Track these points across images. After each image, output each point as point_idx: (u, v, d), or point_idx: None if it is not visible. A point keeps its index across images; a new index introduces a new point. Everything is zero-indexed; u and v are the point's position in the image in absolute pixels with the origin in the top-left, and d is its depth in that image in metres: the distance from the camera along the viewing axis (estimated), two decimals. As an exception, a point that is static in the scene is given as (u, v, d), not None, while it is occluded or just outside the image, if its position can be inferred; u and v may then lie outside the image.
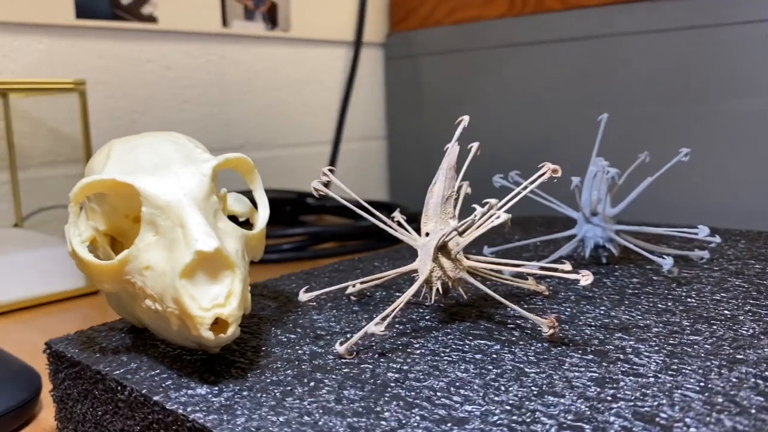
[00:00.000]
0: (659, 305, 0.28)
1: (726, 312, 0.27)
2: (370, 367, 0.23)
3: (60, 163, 0.62)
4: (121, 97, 0.66)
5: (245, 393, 0.21)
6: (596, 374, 0.22)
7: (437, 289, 0.26)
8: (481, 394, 0.21)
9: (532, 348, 0.24)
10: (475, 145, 0.29)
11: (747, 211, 0.61)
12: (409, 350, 0.24)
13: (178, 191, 0.23)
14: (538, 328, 0.26)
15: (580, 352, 0.24)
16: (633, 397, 0.20)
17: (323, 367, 0.23)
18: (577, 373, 0.22)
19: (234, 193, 0.29)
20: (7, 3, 0.57)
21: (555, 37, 0.71)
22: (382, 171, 0.92)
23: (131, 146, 0.25)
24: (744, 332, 0.25)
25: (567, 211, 0.35)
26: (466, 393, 0.21)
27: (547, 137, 0.73)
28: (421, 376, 0.22)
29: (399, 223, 0.29)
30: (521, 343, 0.25)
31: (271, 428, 0.19)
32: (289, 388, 0.22)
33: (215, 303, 0.22)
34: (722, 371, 0.22)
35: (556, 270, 0.31)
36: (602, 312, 0.28)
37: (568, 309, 0.28)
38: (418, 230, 0.55)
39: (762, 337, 0.24)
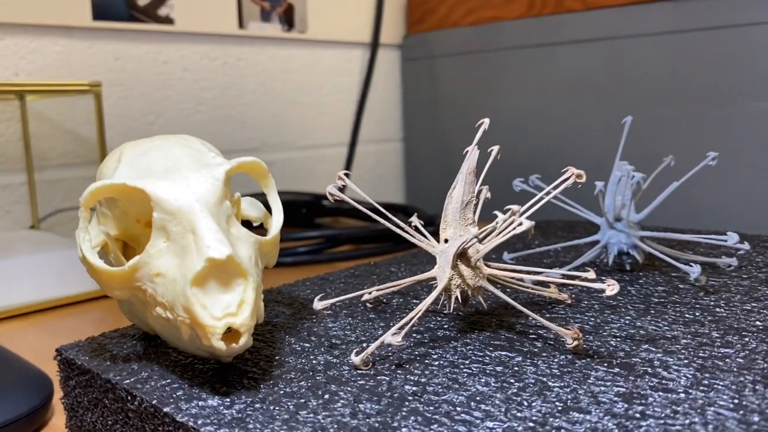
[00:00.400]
0: (687, 315, 0.27)
1: (758, 323, 0.26)
2: (387, 379, 0.22)
3: (77, 164, 0.62)
4: (138, 98, 0.66)
5: (257, 405, 0.21)
6: (623, 389, 0.21)
7: (456, 298, 0.25)
8: (502, 409, 0.20)
9: (556, 360, 0.23)
10: (495, 149, 0.28)
11: (773, 216, 0.60)
12: (427, 361, 0.23)
13: (189, 196, 0.22)
14: (562, 339, 0.25)
15: (605, 364, 0.23)
16: (663, 415, 0.19)
17: (338, 379, 0.22)
18: (603, 388, 0.21)
19: (248, 197, 0.29)
20: (25, 5, 0.57)
21: (575, 37, 0.70)
22: (399, 173, 0.92)
23: (143, 150, 0.25)
24: (778, 345, 0.24)
25: (590, 216, 0.34)
26: (487, 408, 0.20)
27: (566, 140, 0.72)
28: (440, 390, 0.21)
29: (416, 228, 0.29)
30: (544, 354, 0.24)
31: (283, 444, 0.18)
32: (302, 400, 0.21)
33: (227, 312, 0.21)
34: (757, 387, 0.21)
35: (579, 278, 0.30)
36: (627, 322, 0.27)
37: (592, 318, 0.27)
38: (435, 234, 0.54)
39: (797, 350, 0.23)
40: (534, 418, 0.19)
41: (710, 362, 0.23)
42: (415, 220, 0.29)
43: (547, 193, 0.26)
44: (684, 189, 0.63)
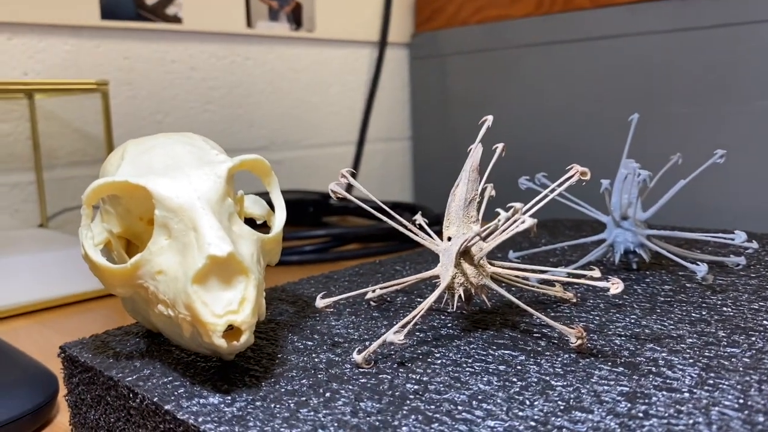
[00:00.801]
0: (693, 314, 0.27)
1: (765, 322, 0.26)
2: (389, 377, 0.22)
3: (85, 163, 0.62)
4: (146, 97, 0.66)
5: (258, 403, 0.21)
6: (627, 388, 0.21)
7: (459, 296, 0.25)
8: (504, 408, 0.20)
9: (559, 359, 0.23)
10: (499, 146, 0.27)
11: (784, 215, 0.59)
12: (429, 360, 0.23)
13: (191, 193, 0.22)
14: (565, 338, 0.25)
15: (609, 364, 0.22)
16: (666, 414, 0.19)
17: (340, 377, 0.22)
18: (606, 387, 0.21)
19: (251, 195, 0.29)
20: (34, 4, 0.57)
21: (583, 35, 0.70)
22: (407, 172, 0.91)
23: (145, 148, 0.25)
24: (785, 345, 0.23)
25: (596, 215, 0.34)
26: (488, 407, 0.20)
27: (574, 138, 0.72)
28: (442, 388, 0.21)
29: (420, 227, 0.29)
30: (547, 353, 0.23)
31: (283, 442, 0.18)
32: (303, 398, 0.21)
33: (228, 309, 0.21)
34: (763, 387, 0.20)
35: (584, 277, 0.30)
36: (633, 321, 0.26)
37: (597, 317, 0.27)
38: (441, 233, 0.54)
39: (805, 350, 0.23)
40: (536, 417, 0.19)
41: (716, 362, 0.22)
42: (419, 218, 0.29)
43: (551, 191, 0.25)
44: (691, 187, 0.62)
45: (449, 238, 0.26)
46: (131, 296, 0.25)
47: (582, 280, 0.24)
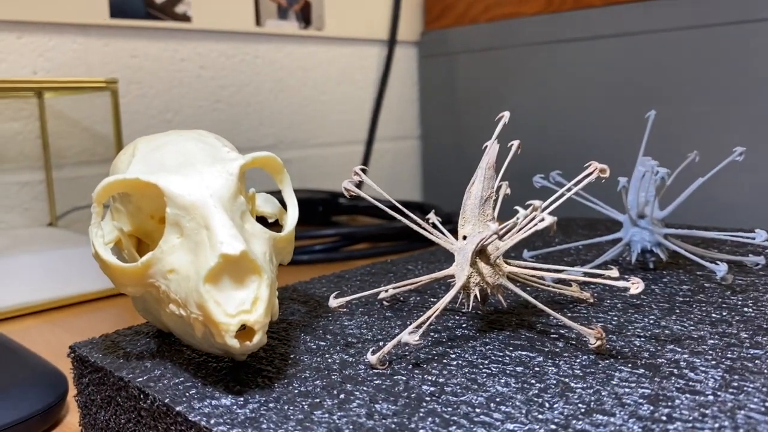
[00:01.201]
0: (713, 315, 0.27)
1: (788, 323, 0.25)
2: (404, 378, 0.22)
3: (94, 162, 0.62)
4: (155, 96, 0.66)
5: (271, 405, 0.20)
6: (648, 390, 0.20)
7: (475, 296, 0.25)
8: (523, 411, 0.19)
9: (578, 360, 0.22)
10: (515, 143, 0.27)
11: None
12: (445, 361, 0.23)
13: (203, 191, 0.22)
14: (584, 339, 0.24)
15: (629, 365, 0.22)
16: (691, 418, 0.18)
17: (354, 378, 0.22)
18: (627, 389, 0.20)
19: (263, 193, 0.28)
20: (43, 3, 0.57)
21: (595, 33, 0.69)
22: (416, 171, 0.91)
23: (156, 145, 0.24)
24: (810, 346, 0.23)
25: (612, 214, 0.33)
26: (507, 410, 0.19)
27: (585, 137, 0.71)
28: (459, 390, 0.21)
29: (434, 225, 0.28)
30: (566, 355, 0.23)
31: (297, 444, 0.18)
32: (317, 400, 0.20)
33: (241, 309, 0.21)
34: (789, 390, 0.20)
35: (602, 276, 0.29)
36: (652, 321, 0.26)
37: (615, 318, 0.26)
38: (453, 232, 0.53)
39: (831, 352, 0.22)
40: (556, 420, 0.19)
41: (739, 363, 0.22)
42: (432, 217, 0.29)
43: (570, 189, 0.25)
44: (708, 186, 0.62)
45: (464, 237, 0.25)
46: (142, 295, 0.25)
47: (600, 280, 0.24)
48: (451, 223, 0.60)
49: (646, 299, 0.29)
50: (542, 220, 0.21)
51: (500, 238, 0.24)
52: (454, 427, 0.18)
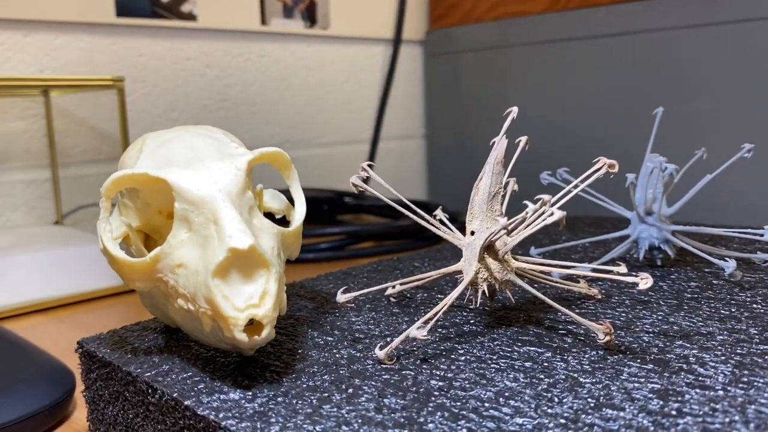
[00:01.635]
0: (722, 311, 0.26)
1: (798, 320, 0.25)
2: (412, 373, 0.22)
3: (100, 160, 0.62)
4: (161, 94, 0.66)
5: (280, 399, 0.20)
6: (658, 385, 0.20)
7: (483, 292, 0.25)
8: (532, 405, 0.19)
9: (587, 356, 0.22)
10: (523, 139, 0.27)
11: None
12: (453, 356, 0.23)
13: (212, 186, 0.22)
14: (592, 335, 0.24)
15: (638, 360, 0.22)
16: (701, 412, 0.18)
17: (362, 373, 0.22)
18: (636, 384, 0.20)
19: (270, 189, 0.28)
20: (50, 2, 0.57)
21: (600, 32, 0.69)
22: (421, 170, 0.91)
23: (164, 140, 0.24)
24: (820, 342, 0.23)
25: (619, 210, 0.33)
26: (516, 404, 0.19)
27: (591, 136, 0.71)
28: (467, 385, 0.21)
29: (441, 222, 0.28)
30: (574, 350, 0.23)
31: (306, 438, 0.18)
32: (326, 394, 0.20)
33: (249, 303, 0.21)
34: (800, 385, 0.20)
35: (610, 272, 0.29)
36: (660, 317, 0.26)
37: (623, 314, 0.26)
38: (459, 230, 0.53)
39: (841, 347, 0.22)
40: (565, 414, 0.18)
41: (749, 359, 0.22)
42: (439, 213, 0.29)
43: (579, 184, 0.25)
44: (716, 183, 0.61)
45: (472, 233, 0.25)
46: (150, 291, 0.25)
47: (609, 276, 0.24)
48: (456, 221, 0.60)
49: (654, 296, 0.29)
50: (551, 214, 0.21)
51: (509, 233, 0.24)
52: (463, 421, 0.18)
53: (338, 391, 0.21)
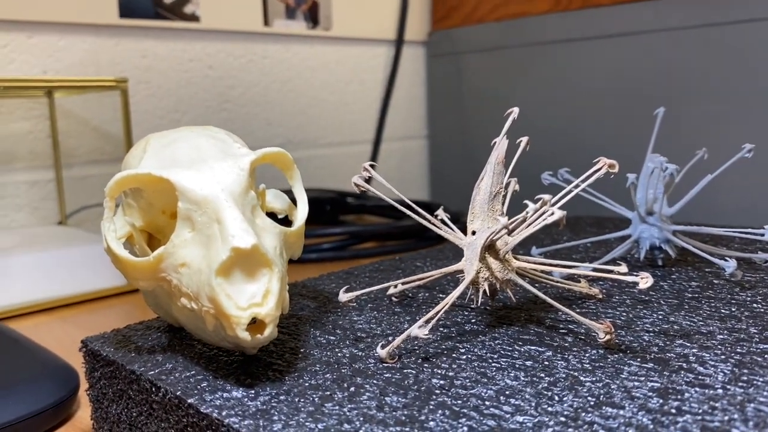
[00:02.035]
0: (722, 310, 0.27)
1: (798, 319, 0.25)
2: (414, 372, 0.22)
3: (104, 161, 0.63)
4: (164, 96, 0.66)
5: (282, 397, 0.20)
6: (658, 384, 0.20)
7: (484, 291, 0.25)
8: (533, 403, 0.19)
9: (587, 355, 0.22)
10: (524, 140, 0.27)
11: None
12: (454, 355, 0.23)
13: (215, 186, 0.22)
14: (593, 334, 0.24)
15: (638, 359, 0.22)
16: (700, 411, 0.18)
17: (364, 372, 0.22)
18: (636, 383, 0.20)
19: (273, 189, 0.29)
20: (53, 3, 0.58)
21: (604, 32, 0.69)
22: (423, 171, 0.91)
23: (168, 140, 0.25)
24: (820, 341, 0.23)
25: (620, 210, 0.33)
26: (517, 402, 0.19)
27: (593, 135, 0.71)
28: (468, 384, 0.21)
29: (443, 221, 0.28)
30: (575, 349, 0.23)
31: (309, 436, 0.18)
32: (328, 393, 0.21)
33: (252, 302, 0.21)
34: (799, 384, 0.20)
35: (611, 272, 0.30)
36: (661, 317, 0.26)
37: (624, 313, 0.27)
38: (461, 230, 0.53)
39: (841, 346, 0.22)
40: (566, 412, 0.19)
41: (749, 358, 0.22)
42: (441, 213, 0.29)
43: (579, 184, 0.25)
44: (716, 183, 0.62)
45: (473, 232, 0.25)
46: (153, 290, 0.25)
47: (610, 275, 0.24)
48: (458, 222, 0.60)
49: (654, 295, 0.29)
50: (551, 214, 0.21)
51: (510, 233, 0.24)
52: (464, 419, 0.18)
53: (340, 390, 0.21)
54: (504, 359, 0.22)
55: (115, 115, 0.63)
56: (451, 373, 0.21)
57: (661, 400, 0.19)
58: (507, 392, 0.20)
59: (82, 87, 0.47)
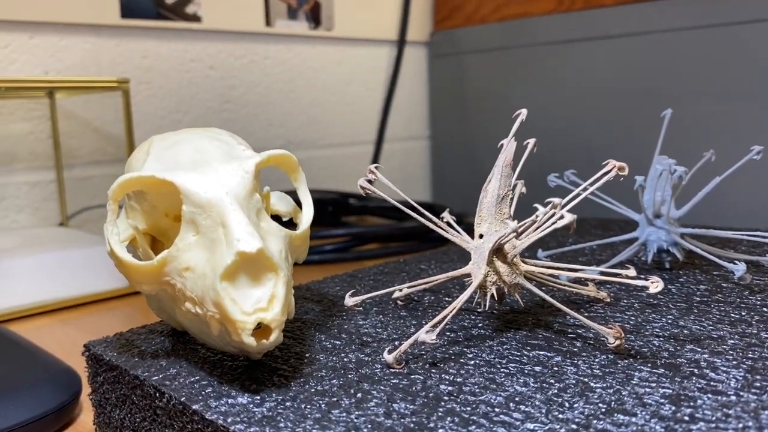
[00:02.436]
0: (732, 315, 0.26)
1: (809, 323, 0.25)
2: (421, 378, 0.21)
3: (105, 162, 0.62)
4: (165, 96, 0.66)
5: (288, 404, 0.20)
6: (670, 390, 0.20)
7: (492, 295, 0.25)
8: (543, 410, 0.19)
9: (597, 360, 0.22)
10: (531, 142, 0.27)
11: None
12: (462, 360, 0.23)
13: (219, 189, 0.22)
14: (602, 339, 0.24)
15: (649, 365, 0.22)
16: (714, 418, 0.18)
17: (371, 377, 0.22)
18: (648, 389, 0.20)
19: (277, 191, 0.28)
20: (55, 3, 0.57)
21: (606, 33, 0.69)
22: (425, 171, 0.91)
23: (171, 142, 0.24)
24: (833, 346, 0.23)
25: (628, 213, 0.33)
26: (527, 409, 0.19)
27: (596, 137, 0.71)
28: (477, 390, 0.20)
29: (449, 224, 0.28)
30: (584, 354, 0.23)
31: (316, 443, 0.18)
32: (335, 399, 0.20)
33: (257, 307, 0.21)
34: (813, 390, 0.19)
35: (620, 276, 0.29)
36: (670, 321, 0.26)
37: (633, 318, 0.26)
38: (466, 231, 0.53)
39: None
40: (577, 420, 0.18)
41: (761, 364, 0.21)
42: (447, 215, 0.28)
43: (588, 187, 0.25)
44: (724, 185, 0.61)
45: (481, 236, 0.25)
46: (157, 294, 0.24)
47: (619, 279, 0.24)
48: (461, 223, 0.60)
49: (663, 299, 0.28)
50: (561, 218, 0.21)
51: (518, 236, 0.24)
52: (473, 427, 0.18)
53: (347, 396, 0.20)
54: (513, 364, 0.22)
55: (117, 115, 0.63)
56: (459, 379, 0.21)
57: (673, 407, 0.19)
58: (517, 399, 0.20)
59: (83, 87, 0.47)
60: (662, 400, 0.19)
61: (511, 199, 0.26)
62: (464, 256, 0.38)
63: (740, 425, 0.18)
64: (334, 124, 0.80)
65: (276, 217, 0.38)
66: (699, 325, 0.25)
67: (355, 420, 0.19)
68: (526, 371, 0.22)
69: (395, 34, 0.84)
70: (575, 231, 0.44)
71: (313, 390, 0.21)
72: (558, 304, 0.24)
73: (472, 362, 0.22)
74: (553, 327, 0.25)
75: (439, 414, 0.19)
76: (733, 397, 0.19)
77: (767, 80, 0.59)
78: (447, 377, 0.21)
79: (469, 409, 0.19)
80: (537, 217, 0.22)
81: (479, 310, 0.28)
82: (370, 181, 0.26)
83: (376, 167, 0.26)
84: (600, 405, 0.19)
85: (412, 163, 0.89)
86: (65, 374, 0.30)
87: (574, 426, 0.18)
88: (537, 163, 0.75)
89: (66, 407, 0.28)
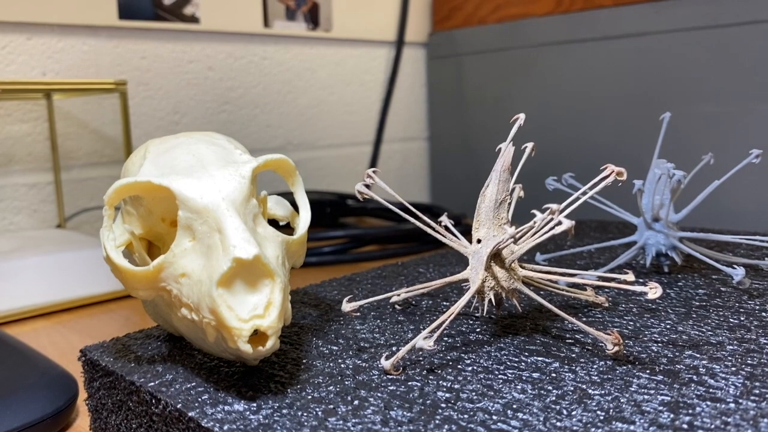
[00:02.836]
0: (731, 320, 0.26)
1: (808, 329, 0.25)
2: (419, 384, 0.21)
3: (103, 164, 0.62)
4: (163, 97, 0.66)
5: (285, 411, 0.20)
6: (668, 397, 0.20)
7: (490, 300, 0.24)
8: (541, 418, 0.19)
9: (595, 366, 0.22)
10: (529, 146, 0.27)
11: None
12: (459, 367, 0.23)
13: (215, 194, 0.22)
14: (600, 344, 0.24)
15: (648, 371, 0.22)
16: (713, 426, 0.18)
17: (368, 384, 0.22)
18: (646, 396, 0.20)
19: (274, 195, 0.28)
20: (52, 5, 0.57)
21: (605, 34, 0.69)
22: (424, 173, 0.91)
23: (168, 147, 0.24)
24: (832, 353, 0.22)
25: (626, 216, 0.33)
26: (524, 417, 0.19)
27: (595, 139, 0.71)
28: (475, 397, 0.20)
29: (447, 228, 0.28)
30: (582, 360, 0.23)
31: (312, 452, 0.18)
32: (331, 406, 0.20)
33: (254, 314, 0.20)
34: (813, 398, 0.19)
35: (618, 280, 0.29)
36: (668, 326, 0.26)
37: (631, 323, 0.26)
38: (463, 233, 0.53)
39: None
40: (575, 428, 0.18)
41: (760, 370, 0.21)
42: (445, 219, 0.28)
43: (586, 192, 0.24)
44: (722, 189, 0.61)
45: (479, 240, 0.25)
46: (153, 299, 0.24)
47: (617, 284, 0.24)
48: (459, 225, 0.59)
49: (661, 303, 0.28)
50: (559, 223, 0.21)
51: (516, 241, 0.24)
52: (471, 435, 0.18)
53: (344, 403, 0.20)
54: (510, 371, 0.22)
55: (114, 117, 0.63)
56: (456, 386, 0.21)
57: (672, 415, 0.19)
58: (514, 406, 0.20)
59: (81, 89, 0.47)
60: (661, 408, 0.19)
61: (509, 203, 0.26)
62: (463, 259, 0.38)
63: (739, 433, 0.18)
64: (333, 125, 0.80)
65: (273, 221, 0.37)
66: (698, 331, 0.25)
67: (352, 428, 0.19)
68: (524, 378, 0.21)
69: (394, 35, 0.84)
70: (574, 234, 0.44)
71: (309, 397, 0.21)
72: (556, 310, 0.23)
73: (470, 368, 0.22)
74: (551, 332, 0.25)
75: (437, 422, 0.19)
76: (732, 405, 0.19)
77: (766, 82, 0.59)
78: (444, 384, 0.21)
79: (466, 416, 0.19)
80: (535, 222, 0.22)
81: (477, 314, 0.28)
82: (367, 186, 0.26)
83: (374, 171, 0.26)
84: (598, 413, 0.19)
85: (410, 164, 0.89)
86: (62, 379, 0.29)
87: (572, 434, 0.18)
88: (535, 165, 0.75)
89: (62, 412, 0.28)
